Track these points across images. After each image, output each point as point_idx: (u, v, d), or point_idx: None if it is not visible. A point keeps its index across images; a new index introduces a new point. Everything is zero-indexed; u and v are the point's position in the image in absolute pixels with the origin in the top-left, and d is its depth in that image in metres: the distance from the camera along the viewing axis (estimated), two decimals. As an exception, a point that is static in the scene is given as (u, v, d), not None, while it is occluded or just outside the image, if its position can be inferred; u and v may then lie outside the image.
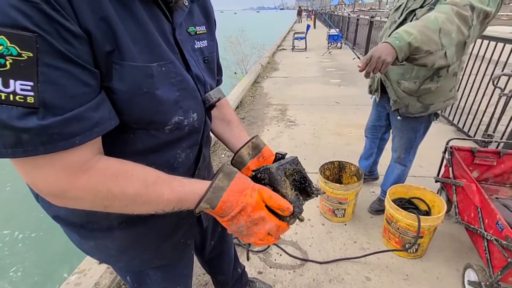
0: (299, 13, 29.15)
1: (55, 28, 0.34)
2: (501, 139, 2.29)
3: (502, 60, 2.44)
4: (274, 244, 1.72)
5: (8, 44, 0.32)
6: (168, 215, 0.51)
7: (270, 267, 1.58)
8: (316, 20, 19.95)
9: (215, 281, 1.32)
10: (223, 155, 2.84)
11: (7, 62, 0.32)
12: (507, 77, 1.83)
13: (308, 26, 10.16)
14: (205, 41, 0.62)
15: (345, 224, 1.86)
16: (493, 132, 2.07)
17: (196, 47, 0.59)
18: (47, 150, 0.37)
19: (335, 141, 3.03)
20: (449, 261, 1.55)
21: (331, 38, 9.00)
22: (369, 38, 7.10)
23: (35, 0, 0.32)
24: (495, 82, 1.83)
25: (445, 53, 1.08)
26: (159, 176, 0.48)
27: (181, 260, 0.81)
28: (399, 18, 1.38)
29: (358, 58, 2.54)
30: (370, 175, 2.19)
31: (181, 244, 0.75)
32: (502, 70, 2.05)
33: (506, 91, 1.81)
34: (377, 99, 1.69)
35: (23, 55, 0.33)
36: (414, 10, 1.30)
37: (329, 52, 8.51)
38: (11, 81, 0.33)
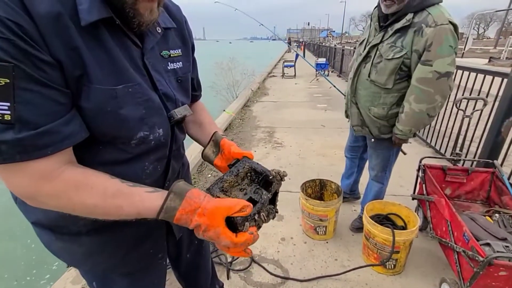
0: (289, 43, 30.98)
1: (28, 58, 0.41)
2: (474, 157, 2.42)
3: (468, 86, 2.67)
4: (255, 262, 1.71)
5: None
6: (136, 225, 0.55)
7: (251, 286, 1.56)
8: (306, 49, 21.04)
9: (192, 298, 1.29)
10: (209, 175, 2.87)
11: None
12: (467, 100, 1.99)
13: (297, 55, 10.72)
14: (180, 62, 0.69)
15: (327, 242, 1.88)
16: (463, 150, 2.19)
17: (169, 68, 0.66)
18: (22, 159, 0.44)
19: (320, 161, 3.12)
20: (426, 276, 1.57)
21: (319, 67, 9.47)
22: (353, 66, 7.54)
23: (11, 37, 0.40)
24: (458, 105, 1.98)
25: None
26: (119, 189, 0.52)
27: (149, 271, 0.82)
28: (363, 51, 1.54)
29: (334, 86, 2.73)
30: (351, 194, 2.25)
31: (150, 255, 0.77)
32: (463, 94, 2.24)
33: (467, 113, 1.97)
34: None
35: (1, 81, 0.40)
36: (375, 45, 1.46)
37: (317, 79, 8.91)
38: None
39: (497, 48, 17.66)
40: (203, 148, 0.81)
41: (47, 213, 0.59)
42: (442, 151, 3.08)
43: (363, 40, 1.57)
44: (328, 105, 5.72)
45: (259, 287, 1.55)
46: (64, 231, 0.63)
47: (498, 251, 1.14)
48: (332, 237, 1.92)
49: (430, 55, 1.25)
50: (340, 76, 9.47)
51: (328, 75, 9.83)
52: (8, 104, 0.40)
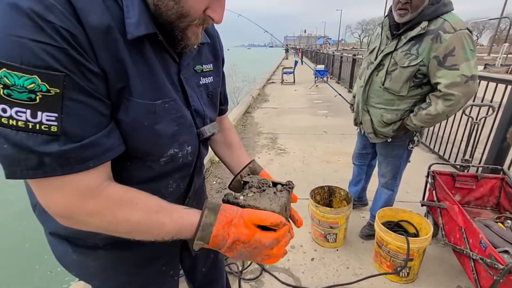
0: (287, 51, 31.33)
1: (78, 68, 0.40)
2: (479, 163, 2.43)
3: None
4: (266, 271, 1.68)
5: (39, 82, 0.37)
6: (152, 244, 0.53)
7: (263, 295, 1.53)
8: (303, 56, 21.31)
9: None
10: (214, 182, 2.85)
11: (37, 97, 0.38)
12: (477, 108, 2.01)
13: (296, 62, 10.81)
14: (211, 77, 0.69)
15: (337, 250, 1.86)
16: (471, 158, 2.20)
17: (201, 83, 0.65)
18: (64, 172, 0.42)
19: (324, 168, 3.11)
20: (440, 284, 1.55)
21: (318, 73, 9.56)
22: (352, 73, 7.64)
23: (63, 46, 0.39)
24: (468, 112, 2.00)
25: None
26: (162, 205, 0.51)
27: (160, 287, 0.79)
28: (375, 60, 1.55)
29: (339, 94, 2.75)
30: (359, 200, 2.24)
31: (162, 272, 0.76)
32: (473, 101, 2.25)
33: (476, 120, 1.98)
34: (362, 131, 1.80)
35: (51, 91, 0.38)
36: (389, 53, 1.47)
37: (316, 86, 8.98)
38: (39, 113, 0.38)
39: (490, 55, 18.02)
40: (229, 167, 0.83)
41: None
42: (446, 157, 3.09)
43: (374, 49, 1.58)
44: (329, 111, 5.75)
45: (271, 297, 1.53)
46: (81, 243, 0.62)
47: (516, 259, 1.13)
48: (342, 244, 1.90)
49: (455, 59, 1.26)
50: (339, 83, 9.55)
51: (326, 81, 9.93)
52: (56, 115, 0.39)
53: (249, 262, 1.73)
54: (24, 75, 0.36)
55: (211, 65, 0.68)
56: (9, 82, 0.36)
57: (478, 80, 2.29)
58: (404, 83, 1.40)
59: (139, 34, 0.46)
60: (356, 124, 1.85)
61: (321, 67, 9.89)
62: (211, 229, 0.50)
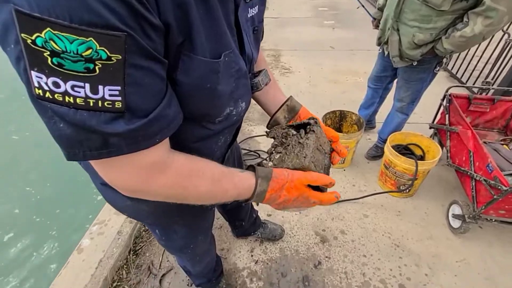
0: None
1: (139, 23, 0.30)
2: (493, 85, 2.37)
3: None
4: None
5: (98, 47, 0.28)
6: None
7: (278, 210, 1.72)
8: None
9: (233, 225, 1.43)
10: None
11: (96, 67, 0.29)
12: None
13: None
14: (256, 7, 0.54)
15: (344, 170, 2.00)
16: (493, 80, 2.12)
17: (249, 16, 0.52)
18: (131, 150, 0.37)
19: (331, 89, 3.02)
20: (435, 198, 1.75)
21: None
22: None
23: None
24: (505, 27, 1.80)
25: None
26: (223, 171, 0.50)
27: (202, 218, 0.87)
28: None
29: (363, 6, 2.38)
30: (368, 123, 2.26)
31: (203, 207, 0.79)
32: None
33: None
34: (386, 52, 1.64)
35: (112, 58, 0.29)
36: None
37: (321, -12, 7.78)
38: (100, 87, 0.31)
39: None
40: (264, 107, 0.76)
41: None
42: (459, 75, 2.98)
43: None
44: (336, 22, 5.17)
45: (286, 211, 1.72)
46: None
47: (519, 180, 1.23)
48: (349, 165, 2.02)
49: None
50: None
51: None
52: (119, 88, 0.31)
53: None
54: (77, 37, 0.27)
55: None
56: (59, 48, 0.27)
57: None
58: None
59: None
60: (379, 44, 1.68)
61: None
62: (264, 195, 0.53)
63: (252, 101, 0.70)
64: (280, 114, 0.72)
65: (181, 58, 0.38)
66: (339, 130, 2.08)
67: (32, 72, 0.28)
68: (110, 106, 0.32)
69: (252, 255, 1.50)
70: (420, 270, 1.39)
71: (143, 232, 1.62)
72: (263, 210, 1.71)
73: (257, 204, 0.60)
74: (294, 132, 0.63)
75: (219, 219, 1.65)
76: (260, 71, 0.61)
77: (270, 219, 1.65)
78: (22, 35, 0.26)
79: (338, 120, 2.06)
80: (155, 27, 0.32)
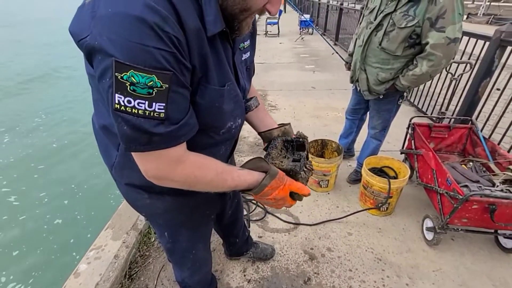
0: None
1: (179, 67, 0.51)
2: (452, 115, 2.73)
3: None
4: (269, 213, 1.96)
5: (156, 80, 0.48)
6: (201, 194, 0.70)
7: (268, 232, 1.83)
8: (286, 4, 19.95)
9: (227, 243, 1.53)
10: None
11: (153, 92, 0.48)
12: (456, 64, 2.19)
13: (280, 11, 10.23)
14: (249, 52, 0.78)
15: (328, 193, 2.16)
16: (446, 110, 2.46)
17: (242, 59, 0.75)
18: (166, 146, 0.55)
19: (314, 123, 3.32)
20: (411, 215, 1.92)
21: (303, 24, 9.20)
22: (339, 24, 7.40)
23: (173, 51, 0.48)
24: (447, 68, 2.18)
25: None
26: (224, 167, 0.67)
27: (204, 225, 1.02)
28: (374, 20, 1.62)
29: (337, 53, 2.81)
30: (348, 151, 2.51)
31: (206, 215, 0.98)
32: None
33: (455, 76, 2.18)
34: (358, 88, 1.95)
35: (163, 86, 0.49)
36: (389, 14, 1.55)
37: (302, 38, 8.73)
38: (153, 103, 0.49)
39: (474, 3, 17.82)
40: (252, 125, 0.95)
41: (141, 176, 0.72)
42: (424, 109, 3.37)
43: (374, 8, 1.64)
44: (316, 66, 5.77)
45: (276, 232, 1.82)
46: (152, 190, 0.78)
47: (473, 190, 1.43)
48: (332, 189, 2.19)
49: (444, 22, 1.37)
50: (324, 35, 9.30)
51: (312, 34, 9.64)
52: (164, 104, 0.50)
53: (254, 207, 2.01)
54: (146, 75, 0.47)
55: (249, 41, 0.77)
56: (135, 81, 0.47)
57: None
58: (400, 43, 1.52)
59: (216, 31, 0.56)
60: (352, 82, 1.99)
61: (306, 17, 9.47)
62: (263, 188, 0.69)
63: (241, 135, 0.92)
64: (275, 131, 0.91)
65: (199, 87, 0.59)
66: (321, 156, 2.29)
67: (116, 94, 0.48)
68: (157, 115, 0.51)
69: (245, 275, 1.57)
70: (401, 280, 1.50)
71: (138, 258, 1.67)
72: (254, 232, 1.81)
73: (252, 194, 0.74)
74: (285, 145, 0.84)
75: (212, 242, 1.73)
76: (251, 97, 0.82)
77: (261, 240, 1.75)
78: (116, 73, 0.46)
79: (320, 148, 2.29)
80: (187, 68, 0.53)
